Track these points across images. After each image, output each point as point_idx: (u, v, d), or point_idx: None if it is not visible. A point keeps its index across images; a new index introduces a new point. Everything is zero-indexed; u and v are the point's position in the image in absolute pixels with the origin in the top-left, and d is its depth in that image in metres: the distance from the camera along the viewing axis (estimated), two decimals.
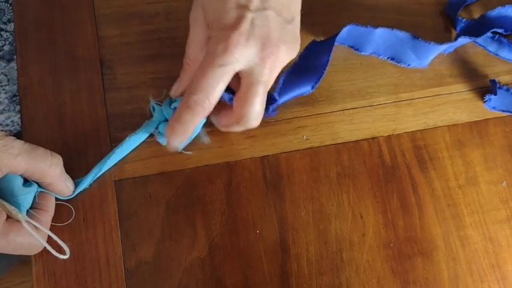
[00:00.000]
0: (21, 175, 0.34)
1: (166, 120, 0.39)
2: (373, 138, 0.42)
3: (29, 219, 0.34)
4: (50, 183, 0.35)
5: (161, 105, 0.39)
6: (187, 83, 0.37)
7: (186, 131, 0.36)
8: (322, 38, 0.44)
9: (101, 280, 0.37)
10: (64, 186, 0.36)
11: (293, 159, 0.41)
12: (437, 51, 0.44)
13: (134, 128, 0.40)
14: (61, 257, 0.34)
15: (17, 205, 0.34)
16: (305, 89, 0.42)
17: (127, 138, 0.39)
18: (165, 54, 0.43)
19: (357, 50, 0.45)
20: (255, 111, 0.35)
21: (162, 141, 0.39)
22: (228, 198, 0.39)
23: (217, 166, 0.40)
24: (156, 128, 0.39)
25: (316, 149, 0.42)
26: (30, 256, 0.37)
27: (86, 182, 0.38)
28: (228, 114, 0.37)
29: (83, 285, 0.37)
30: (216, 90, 0.34)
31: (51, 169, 0.34)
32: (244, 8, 0.34)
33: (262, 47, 0.34)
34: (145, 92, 0.41)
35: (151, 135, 0.40)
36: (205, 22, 0.36)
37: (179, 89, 0.39)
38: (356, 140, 0.42)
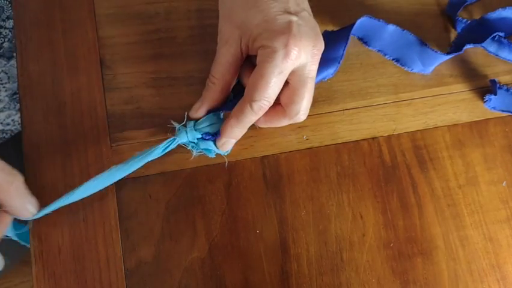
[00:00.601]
0: None
1: (190, 141, 0.39)
2: (373, 138, 0.42)
3: None
4: (3, 200, 0.34)
5: (185, 127, 0.39)
6: (211, 102, 0.39)
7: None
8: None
9: (101, 280, 0.37)
10: (20, 207, 0.35)
11: (293, 159, 0.41)
12: (442, 59, 0.44)
13: (134, 128, 0.40)
14: None
15: None
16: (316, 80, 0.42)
17: (131, 158, 0.37)
18: (165, 54, 0.43)
19: (365, 43, 0.45)
20: (307, 106, 0.38)
21: (212, 155, 0.39)
22: (228, 198, 0.39)
23: (217, 166, 0.40)
24: (192, 147, 0.39)
25: (316, 149, 0.42)
26: (30, 256, 0.37)
27: (57, 204, 0.36)
28: (276, 111, 0.38)
29: (83, 285, 0.37)
30: (276, 94, 0.36)
31: (4, 185, 0.33)
32: (286, 12, 0.35)
33: (313, 45, 0.36)
34: (145, 92, 0.41)
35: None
36: (239, 41, 0.37)
37: (201, 109, 0.39)
38: (356, 140, 0.42)
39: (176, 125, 0.39)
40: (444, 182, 0.42)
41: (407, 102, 0.44)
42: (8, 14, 0.56)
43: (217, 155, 0.40)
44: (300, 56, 0.35)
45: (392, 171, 0.42)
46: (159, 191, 0.39)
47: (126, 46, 0.43)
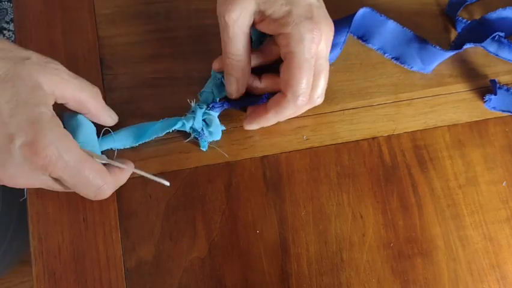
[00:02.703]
0: (65, 103, 0.35)
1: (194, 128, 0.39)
2: (373, 138, 0.42)
3: (108, 160, 0.36)
4: (94, 115, 0.37)
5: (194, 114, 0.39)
6: (244, 79, 0.39)
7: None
8: None
9: (101, 280, 0.37)
10: (106, 117, 0.38)
11: (293, 159, 0.41)
12: (442, 57, 0.44)
13: None
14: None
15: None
16: None
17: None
18: (165, 54, 0.43)
19: (365, 41, 0.45)
20: (324, 88, 0.39)
21: (204, 146, 0.40)
22: (228, 198, 0.39)
23: (217, 166, 0.40)
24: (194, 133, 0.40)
25: (316, 149, 0.42)
26: (30, 256, 0.37)
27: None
28: (287, 99, 0.38)
29: (83, 285, 0.37)
30: (311, 82, 0.37)
31: (92, 99, 0.36)
32: None
33: (330, 28, 0.37)
34: (145, 92, 0.41)
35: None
36: (252, 13, 0.36)
37: (240, 89, 0.39)
38: (356, 140, 0.42)
39: (192, 104, 0.39)
40: (444, 182, 0.42)
41: (407, 102, 0.44)
42: (11, 16, 0.56)
43: (218, 155, 0.40)
44: (321, 40, 0.36)
45: (392, 171, 0.42)
46: (159, 191, 0.39)
47: (126, 46, 0.43)
